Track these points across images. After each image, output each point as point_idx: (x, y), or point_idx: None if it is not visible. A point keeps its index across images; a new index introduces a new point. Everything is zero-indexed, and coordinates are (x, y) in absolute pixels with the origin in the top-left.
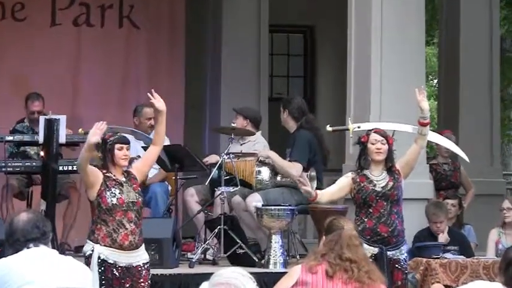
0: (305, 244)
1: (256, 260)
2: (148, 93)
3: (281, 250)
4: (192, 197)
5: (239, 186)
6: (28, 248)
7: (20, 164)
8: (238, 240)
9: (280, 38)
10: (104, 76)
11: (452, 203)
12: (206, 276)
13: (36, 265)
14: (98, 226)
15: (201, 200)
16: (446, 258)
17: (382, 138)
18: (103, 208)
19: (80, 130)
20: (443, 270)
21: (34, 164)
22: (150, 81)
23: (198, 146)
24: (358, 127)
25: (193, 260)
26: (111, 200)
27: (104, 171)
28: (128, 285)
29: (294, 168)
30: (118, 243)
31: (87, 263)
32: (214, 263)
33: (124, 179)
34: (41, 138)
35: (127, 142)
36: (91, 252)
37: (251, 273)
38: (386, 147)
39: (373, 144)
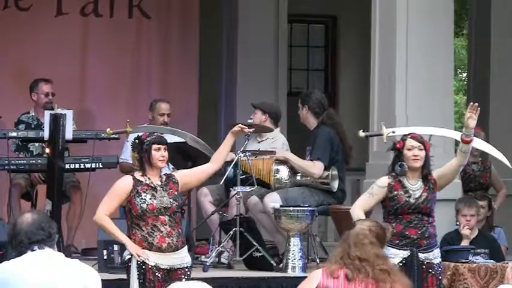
0: (326, 247)
1: (274, 264)
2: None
3: (300, 253)
4: (206, 197)
5: (256, 186)
6: (32, 250)
7: (24, 161)
8: (254, 243)
9: (300, 28)
10: (113, 69)
11: (481, 204)
12: (221, 281)
13: (40, 269)
14: (133, 231)
15: (215, 201)
16: (475, 262)
17: (419, 144)
18: (134, 214)
19: (108, 130)
20: (471, 275)
21: (39, 161)
22: (162, 74)
23: (212, 143)
24: (393, 132)
25: (207, 264)
26: (141, 207)
27: (140, 174)
28: None
29: (315, 168)
30: (156, 246)
31: (127, 268)
32: (229, 266)
33: (159, 183)
34: (46, 134)
35: (165, 142)
36: (130, 256)
37: (268, 277)
38: (423, 153)
39: (409, 150)
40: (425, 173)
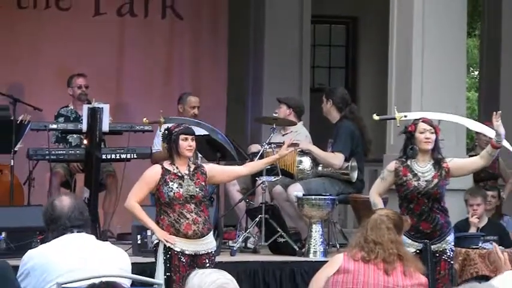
0: (345, 233)
1: (297, 249)
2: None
3: (321, 239)
4: (234, 186)
5: (280, 176)
6: (71, 232)
7: (64, 152)
8: (279, 229)
9: (322, 28)
10: (147, 66)
11: (492, 194)
12: (247, 265)
13: (76, 252)
14: (162, 217)
15: (242, 189)
16: (485, 248)
17: (431, 128)
18: (162, 202)
19: (144, 120)
20: (481, 260)
21: (78, 152)
22: (193, 71)
23: (240, 136)
24: (405, 116)
25: (235, 249)
26: (168, 195)
27: (168, 162)
28: None
29: (336, 159)
30: (182, 233)
31: (155, 251)
32: (255, 251)
33: (187, 172)
34: (84, 126)
35: (192, 133)
36: (157, 241)
37: (291, 261)
38: (434, 136)
39: (421, 133)
40: (436, 157)
